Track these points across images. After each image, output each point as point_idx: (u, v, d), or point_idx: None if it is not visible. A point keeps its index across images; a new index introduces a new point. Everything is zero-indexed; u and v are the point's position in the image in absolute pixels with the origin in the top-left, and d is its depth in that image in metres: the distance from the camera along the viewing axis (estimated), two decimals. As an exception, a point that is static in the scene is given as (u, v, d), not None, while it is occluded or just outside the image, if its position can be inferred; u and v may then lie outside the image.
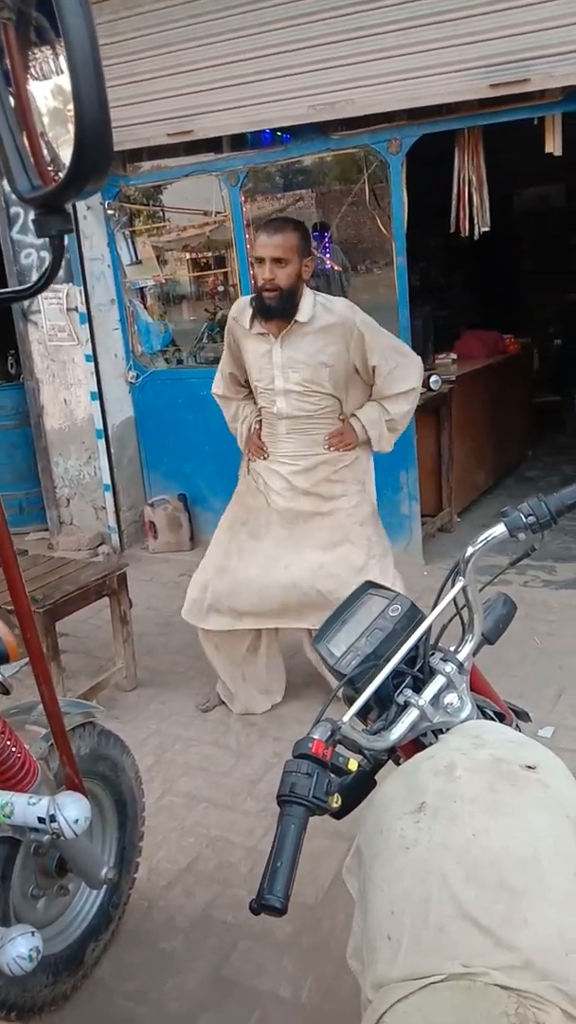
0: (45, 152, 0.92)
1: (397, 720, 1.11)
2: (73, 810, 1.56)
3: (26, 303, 4.90)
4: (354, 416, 2.77)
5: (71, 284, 4.71)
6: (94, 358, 4.80)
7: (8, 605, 2.03)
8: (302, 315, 2.64)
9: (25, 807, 1.56)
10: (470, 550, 1.18)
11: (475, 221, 3.88)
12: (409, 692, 1.14)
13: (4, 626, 1.65)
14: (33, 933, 1.59)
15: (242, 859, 2.32)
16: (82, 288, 4.69)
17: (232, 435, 3.01)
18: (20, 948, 1.55)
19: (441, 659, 1.17)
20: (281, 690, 3.09)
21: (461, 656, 1.18)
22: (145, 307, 5.03)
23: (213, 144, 4.42)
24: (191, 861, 2.34)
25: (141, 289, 4.99)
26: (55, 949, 1.87)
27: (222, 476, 4.14)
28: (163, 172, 4.69)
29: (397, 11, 3.50)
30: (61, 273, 4.64)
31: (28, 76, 0.92)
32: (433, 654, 1.18)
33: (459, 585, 1.18)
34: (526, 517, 1.16)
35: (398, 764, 1.16)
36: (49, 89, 0.95)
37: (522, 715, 1.39)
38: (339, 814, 1.02)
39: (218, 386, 3.01)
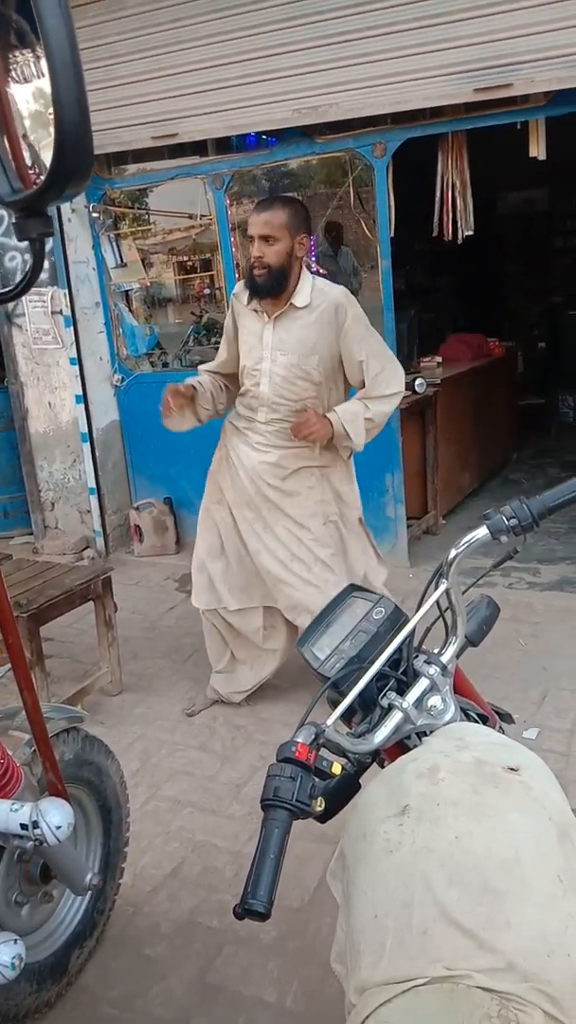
0: (26, 155, 0.91)
1: (381, 723, 1.11)
2: (56, 816, 1.55)
3: (10, 306, 4.87)
4: (332, 411, 2.72)
5: (56, 287, 4.70)
6: (79, 361, 4.78)
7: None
8: (299, 300, 2.63)
9: (8, 813, 1.55)
10: (453, 552, 1.18)
11: (459, 225, 3.90)
12: (393, 695, 1.14)
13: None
14: (16, 940, 1.58)
15: (227, 864, 2.31)
16: (67, 291, 4.67)
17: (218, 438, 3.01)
18: (3, 956, 1.54)
19: (425, 661, 1.17)
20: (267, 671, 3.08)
21: (445, 658, 1.18)
22: (130, 310, 5.02)
23: (198, 147, 4.42)
24: (176, 866, 2.33)
25: (126, 292, 4.98)
26: (39, 956, 1.86)
27: (208, 479, 4.13)
28: (148, 175, 4.68)
29: (382, 15, 3.52)
30: (46, 276, 4.63)
31: (8, 79, 0.91)
32: (417, 656, 1.18)
33: (442, 588, 1.19)
34: (508, 520, 1.16)
35: (383, 767, 1.16)
36: (31, 92, 0.95)
37: (505, 717, 1.40)
38: (323, 818, 1.02)
39: (208, 366, 3.00)
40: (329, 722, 1.07)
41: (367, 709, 1.15)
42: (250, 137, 4.29)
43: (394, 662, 1.16)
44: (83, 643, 3.72)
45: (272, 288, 2.61)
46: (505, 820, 0.91)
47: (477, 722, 1.22)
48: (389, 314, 4.07)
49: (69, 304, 4.70)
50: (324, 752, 1.04)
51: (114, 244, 4.88)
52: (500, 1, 3.28)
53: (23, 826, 1.54)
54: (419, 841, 0.91)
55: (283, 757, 0.99)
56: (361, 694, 1.11)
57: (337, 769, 1.04)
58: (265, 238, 2.56)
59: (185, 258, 5.37)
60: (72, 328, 4.73)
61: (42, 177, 0.82)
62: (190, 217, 4.84)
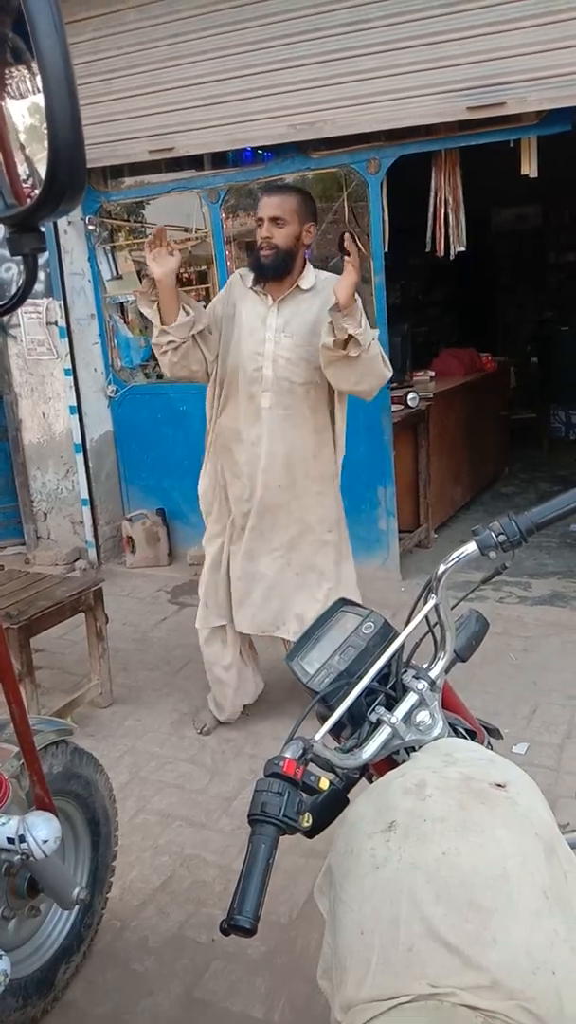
0: (22, 170, 0.92)
1: (369, 738, 1.11)
2: (43, 830, 1.54)
3: (5, 317, 4.88)
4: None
5: (51, 298, 4.71)
6: (73, 372, 4.79)
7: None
8: (305, 282, 2.65)
9: (-6, 827, 1.54)
10: (441, 568, 1.19)
11: (451, 241, 3.93)
12: (382, 710, 1.14)
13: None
14: (1, 956, 1.57)
15: (216, 878, 2.30)
16: (62, 302, 4.69)
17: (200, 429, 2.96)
18: (-12, 971, 1.53)
19: (413, 677, 1.18)
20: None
21: (433, 674, 1.19)
22: (125, 322, 5.02)
23: (195, 161, 4.45)
24: (165, 880, 2.31)
25: (121, 304, 4.99)
26: (26, 971, 1.84)
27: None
28: (144, 188, 4.71)
29: (377, 34, 3.55)
30: (41, 287, 4.64)
31: (4, 94, 0.92)
32: (405, 672, 1.19)
33: (431, 603, 1.19)
34: (496, 536, 1.17)
35: (371, 782, 1.16)
36: (26, 107, 0.96)
37: (493, 732, 1.40)
38: (311, 833, 1.01)
39: None
40: (317, 737, 1.07)
41: (356, 724, 1.15)
42: (246, 152, 4.32)
43: (383, 677, 1.16)
44: (74, 655, 3.71)
45: (278, 269, 2.62)
46: (492, 836, 0.91)
47: (465, 737, 1.23)
48: (383, 328, 4.09)
49: (64, 315, 4.71)
50: (312, 767, 1.04)
51: (110, 256, 4.90)
52: (494, 21, 3.32)
53: (10, 840, 1.53)
54: (406, 857, 0.91)
55: (271, 772, 0.99)
56: (350, 709, 1.10)
57: (325, 784, 1.04)
58: (275, 220, 2.58)
59: (180, 271, 5.36)
60: (67, 339, 4.74)
61: (37, 191, 0.83)
62: (186, 230, 4.86)
